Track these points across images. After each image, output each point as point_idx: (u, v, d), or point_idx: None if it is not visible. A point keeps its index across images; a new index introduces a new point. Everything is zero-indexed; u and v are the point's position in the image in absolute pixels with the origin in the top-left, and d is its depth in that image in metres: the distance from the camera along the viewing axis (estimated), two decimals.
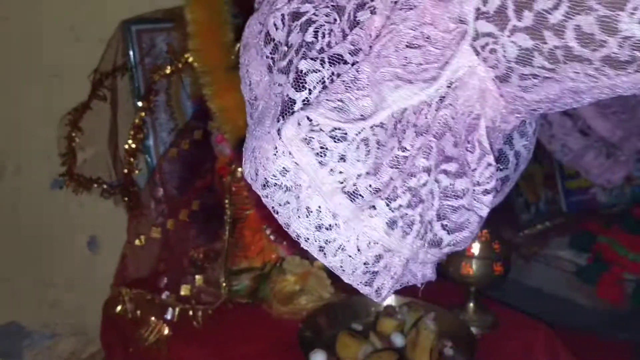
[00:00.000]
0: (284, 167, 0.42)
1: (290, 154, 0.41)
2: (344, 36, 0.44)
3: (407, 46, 0.40)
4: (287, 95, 0.42)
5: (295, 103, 0.42)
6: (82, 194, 1.07)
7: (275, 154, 0.42)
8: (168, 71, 1.03)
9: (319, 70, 0.42)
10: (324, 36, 0.44)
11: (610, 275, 1.15)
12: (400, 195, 0.41)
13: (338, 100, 0.40)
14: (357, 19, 0.44)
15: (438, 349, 0.94)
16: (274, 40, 0.47)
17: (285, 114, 0.42)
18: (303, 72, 0.42)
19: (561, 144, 1.22)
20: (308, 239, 0.43)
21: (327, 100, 0.40)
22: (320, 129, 0.40)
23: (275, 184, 0.43)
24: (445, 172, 0.42)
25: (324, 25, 0.44)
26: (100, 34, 1.07)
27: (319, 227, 0.42)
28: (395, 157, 0.40)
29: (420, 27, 0.40)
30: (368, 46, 0.43)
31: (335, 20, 0.44)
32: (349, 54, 0.42)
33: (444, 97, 0.40)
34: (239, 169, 0.94)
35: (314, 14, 0.45)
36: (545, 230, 1.33)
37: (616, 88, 0.36)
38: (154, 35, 1.11)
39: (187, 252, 1.00)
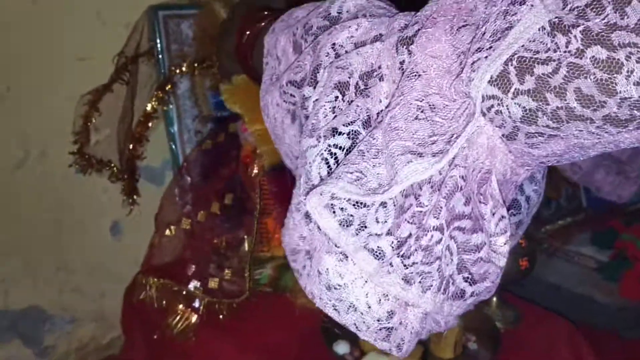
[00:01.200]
0: (301, 234, 0.46)
1: (306, 222, 0.45)
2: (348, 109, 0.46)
3: (415, 118, 0.42)
4: (299, 171, 0.47)
5: (300, 177, 0.46)
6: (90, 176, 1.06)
7: (294, 224, 0.47)
8: (186, 70, 1.03)
9: (316, 145, 0.45)
10: (325, 115, 0.46)
11: (634, 273, 1.14)
12: (413, 252, 0.42)
13: (357, 172, 0.42)
14: (367, 87, 0.46)
15: (462, 343, 0.94)
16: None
17: (303, 189, 0.45)
18: (304, 148, 0.46)
19: (570, 163, 1.22)
20: (322, 298, 0.45)
21: (346, 172, 0.42)
22: (341, 197, 0.42)
23: (298, 250, 0.47)
24: (459, 228, 0.43)
25: (324, 105, 0.47)
26: (127, 18, 1.06)
27: (329, 287, 0.44)
28: (414, 213, 0.42)
29: (426, 97, 0.42)
30: (376, 113, 0.45)
31: (337, 97, 0.47)
32: (344, 125, 0.45)
33: (454, 157, 0.42)
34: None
35: (316, 98, 0.48)
36: (567, 227, 1.33)
37: (619, 143, 0.38)
38: (180, 21, 1.10)
39: (212, 240, 1.00)
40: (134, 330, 1.06)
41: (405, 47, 0.45)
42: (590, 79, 0.35)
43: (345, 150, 0.45)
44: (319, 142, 0.45)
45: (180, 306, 0.93)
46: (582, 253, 1.26)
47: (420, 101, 0.42)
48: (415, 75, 0.43)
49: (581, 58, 0.35)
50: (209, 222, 0.97)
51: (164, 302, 0.95)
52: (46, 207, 1.06)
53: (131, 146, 1.06)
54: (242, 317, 0.97)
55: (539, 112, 0.38)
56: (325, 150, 0.45)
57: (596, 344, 1.04)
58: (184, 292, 0.95)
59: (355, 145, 0.44)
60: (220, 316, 0.96)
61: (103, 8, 1.05)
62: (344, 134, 0.45)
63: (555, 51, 0.36)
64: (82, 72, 1.05)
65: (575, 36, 0.35)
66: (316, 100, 0.48)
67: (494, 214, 0.43)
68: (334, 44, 0.49)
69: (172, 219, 0.99)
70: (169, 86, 1.07)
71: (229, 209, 0.98)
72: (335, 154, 0.45)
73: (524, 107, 0.38)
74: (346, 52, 0.49)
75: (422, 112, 0.42)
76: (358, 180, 0.42)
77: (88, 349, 1.16)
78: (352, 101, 0.46)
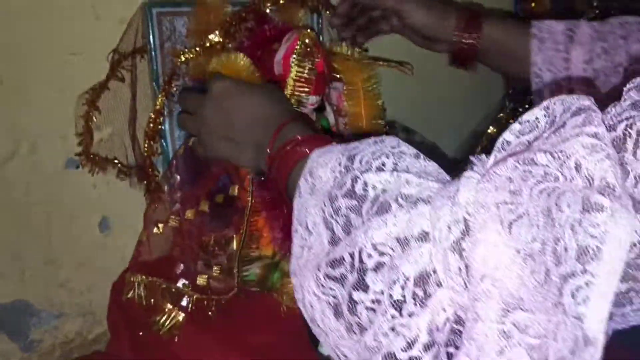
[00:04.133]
0: None
1: None
2: None
3: (500, 352, 0.38)
4: None
5: None
6: (96, 175, 1.07)
7: None
8: (191, 56, 1.02)
9: None
10: (386, 335, 0.44)
11: None
12: None
13: None
14: (426, 296, 0.42)
15: None
16: None
17: None
18: None
19: None
20: None
21: None
22: None
23: None
24: None
25: (382, 325, 0.44)
26: (121, 13, 1.06)
27: None
28: None
29: (507, 315, 0.37)
30: (437, 326, 0.42)
31: (394, 316, 0.43)
32: (402, 349, 0.42)
33: None
34: None
35: (371, 307, 0.46)
36: None
37: None
38: (174, 19, 1.09)
39: (200, 238, 0.99)
40: (120, 327, 1.06)
41: (457, 254, 0.41)
42: None
43: None
44: None
45: (168, 304, 0.93)
46: None
47: (502, 323, 0.37)
48: (485, 294, 0.37)
49: None
50: (198, 220, 0.97)
51: (152, 300, 0.95)
52: (35, 201, 1.06)
53: (146, 145, 1.06)
54: (228, 316, 0.97)
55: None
56: None
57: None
58: (172, 290, 0.95)
59: None
60: (209, 313, 0.96)
61: (97, 2, 1.04)
62: None
63: None
64: (75, 67, 1.04)
65: None
66: (371, 310, 0.45)
67: None
68: (374, 244, 0.46)
69: (161, 216, 0.99)
70: (174, 79, 1.07)
71: (219, 208, 0.98)
72: None
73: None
74: (391, 249, 0.45)
75: (508, 338, 0.36)
76: None
77: (74, 343, 1.16)
78: (411, 314, 0.42)
